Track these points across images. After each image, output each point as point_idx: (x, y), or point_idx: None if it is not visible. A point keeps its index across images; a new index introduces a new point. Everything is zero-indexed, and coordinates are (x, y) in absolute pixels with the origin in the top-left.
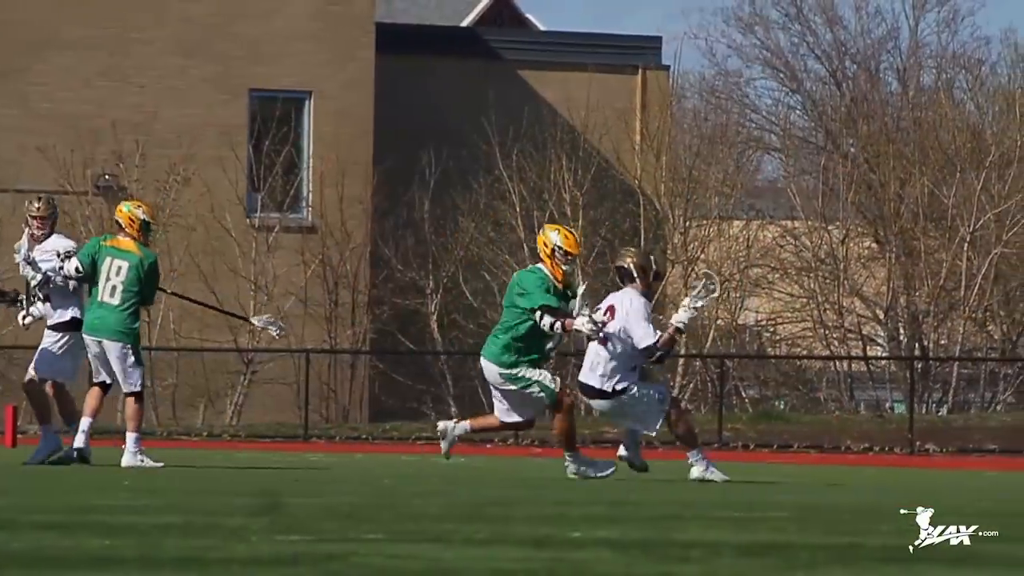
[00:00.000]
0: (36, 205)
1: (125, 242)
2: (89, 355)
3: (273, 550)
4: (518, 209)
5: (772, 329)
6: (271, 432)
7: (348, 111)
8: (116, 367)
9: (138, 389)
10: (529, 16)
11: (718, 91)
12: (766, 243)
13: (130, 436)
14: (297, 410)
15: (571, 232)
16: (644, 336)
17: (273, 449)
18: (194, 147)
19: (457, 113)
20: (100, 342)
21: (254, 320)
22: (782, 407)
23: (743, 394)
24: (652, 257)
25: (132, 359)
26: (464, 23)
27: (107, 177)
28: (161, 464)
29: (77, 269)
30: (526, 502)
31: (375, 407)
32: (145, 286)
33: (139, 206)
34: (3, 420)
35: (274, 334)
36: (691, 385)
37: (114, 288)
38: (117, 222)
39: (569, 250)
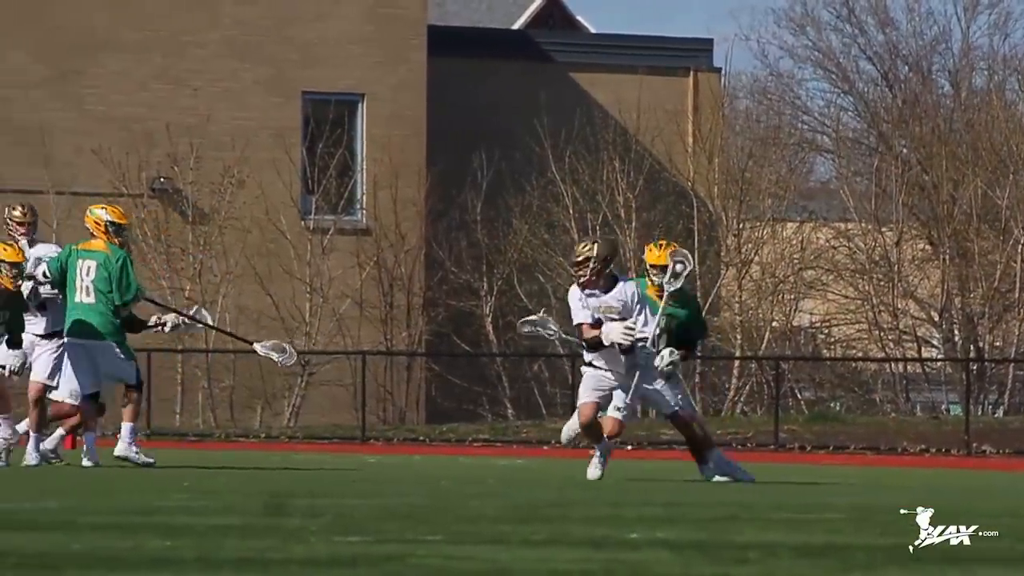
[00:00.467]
0: (18, 211)
1: (95, 243)
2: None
3: (331, 551)
4: (571, 211)
5: (827, 331)
6: (328, 433)
7: (401, 113)
8: (108, 365)
9: (134, 382)
10: (580, 18)
11: (770, 93)
12: (820, 245)
13: (126, 426)
14: (354, 412)
15: (656, 245)
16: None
17: (330, 451)
18: (248, 150)
19: (509, 115)
20: (84, 345)
21: (257, 347)
22: (838, 409)
23: (799, 396)
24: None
25: (122, 355)
26: (515, 25)
27: (162, 180)
28: (152, 460)
29: (44, 274)
30: (582, 503)
31: (431, 409)
32: (114, 283)
33: (103, 208)
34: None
35: (277, 361)
36: (747, 387)
37: (88, 288)
38: (87, 228)
39: (651, 262)
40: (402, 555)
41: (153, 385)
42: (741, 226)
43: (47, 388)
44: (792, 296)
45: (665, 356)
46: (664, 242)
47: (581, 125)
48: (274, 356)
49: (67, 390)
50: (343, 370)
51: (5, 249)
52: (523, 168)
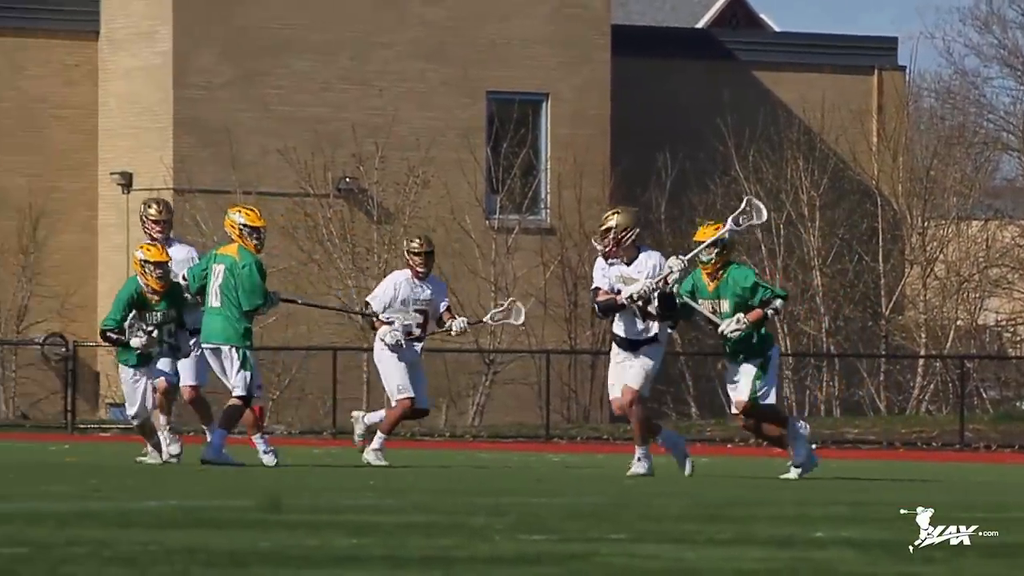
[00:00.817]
0: (153, 209)
1: (229, 247)
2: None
3: (516, 549)
4: None
5: (1012, 329)
6: (513, 432)
7: (585, 113)
8: (227, 370)
9: (242, 394)
10: (763, 17)
11: (955, 91)
12: (1005, 243)
13: (218, 431)
14: (538, 410)
15: (706, 224)
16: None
17: (515, 449)
18: (433, 149)
19: (693, 114)
20: (214, 348)
21: (382, 317)
22: None
23: (984, 395)
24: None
25: (239, 363)
26: (699, 24)
27: (348, 180)
28: (242, 463)
29: (183, 276)
30: (767, 502)
31: None
32: (239, 287)
33: (238, 211)
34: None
35: (401, 323)
36: (932, 386)
37: (216, 292)
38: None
39: (697, 239)
40: (587, 553)
41: (339, 384)
42: (926, 224)
43: (198, 387)
44: (977, 295)
45: (731, 323)
46: (712, 222)
47: (765, 124)
48: (399, 318)
49: (393, 387)
50: (527, 369)
51: (148, 249)
52: (707, 167)
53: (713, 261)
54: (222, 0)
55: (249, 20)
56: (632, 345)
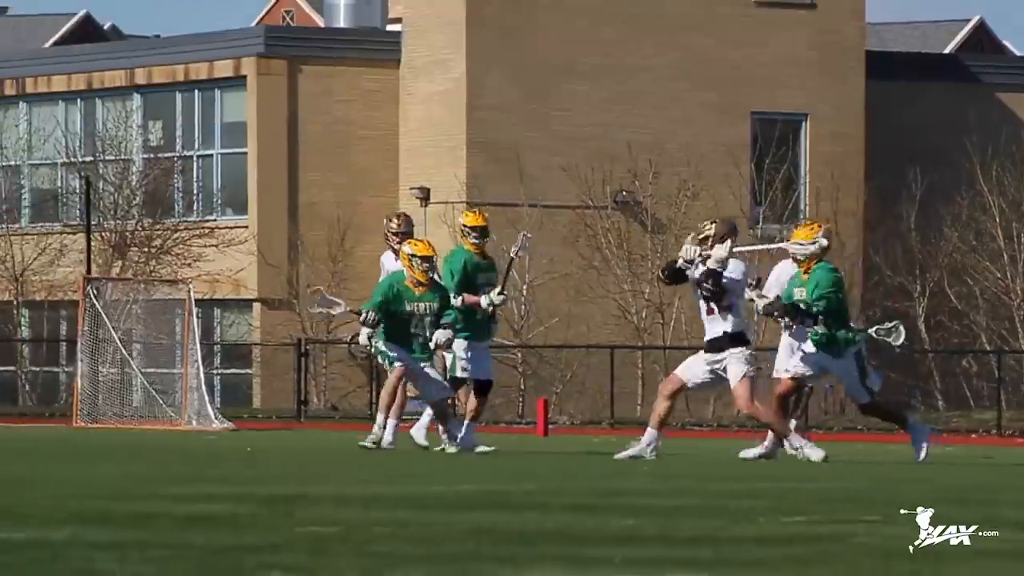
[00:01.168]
0: (394, 222)
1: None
2: None
3: (779, 531)
4: (998, 220)
5: None
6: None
7: (841, 132)
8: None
9: (452, 375)
10: (1006, 42)
11: None
12: None
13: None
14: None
15: (801, 225)
16: None
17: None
18: (702, 165)
19: (941, 133)
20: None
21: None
22: None
23: None
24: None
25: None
26: (946, 50)
27: (624, 193)
28: (493, 448)
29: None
30: (1010, 488)
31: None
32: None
33: (464, 214)
34: (536, 411)
35: (526, 243)
36: None
37: None
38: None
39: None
40: (843, 535)
41: (616, 380)
42: None
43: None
44: None
45: (759, 297)
46: (810, 221)
47: (1007, 141)
48: (525, 243)
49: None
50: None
51: (416, 244)
52: (953, 181)
53: (807, 260)
54: (510, 30)
55: (534, 48)
56: (713, 346)
